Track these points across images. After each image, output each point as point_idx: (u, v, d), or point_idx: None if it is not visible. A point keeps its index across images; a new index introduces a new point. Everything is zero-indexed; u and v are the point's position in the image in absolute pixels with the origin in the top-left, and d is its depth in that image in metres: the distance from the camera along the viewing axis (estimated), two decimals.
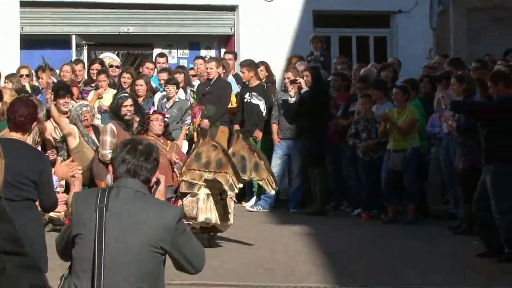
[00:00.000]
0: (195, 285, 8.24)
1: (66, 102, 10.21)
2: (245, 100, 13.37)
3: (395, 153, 11.85)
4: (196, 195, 8.90)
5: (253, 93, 13.28)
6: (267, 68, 14.18)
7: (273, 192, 9.31)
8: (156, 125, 9.36)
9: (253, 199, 12.99)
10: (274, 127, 13.09)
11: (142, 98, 12.77)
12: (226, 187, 8.82)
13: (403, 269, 9.14)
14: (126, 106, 9.30)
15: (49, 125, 9.60)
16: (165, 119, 9.51)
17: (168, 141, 9.63)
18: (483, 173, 9.40)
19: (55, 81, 11.36)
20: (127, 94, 9.67)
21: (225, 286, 8.21)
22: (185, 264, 3.61)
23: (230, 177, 8.69)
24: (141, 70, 14.84)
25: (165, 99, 12.99)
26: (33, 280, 2.81)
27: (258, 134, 12.98)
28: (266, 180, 9.14)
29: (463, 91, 10.64)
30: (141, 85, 12.92)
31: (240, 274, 8.56)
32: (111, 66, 14.61)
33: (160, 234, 3.53)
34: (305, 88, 12.61)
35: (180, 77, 13.65)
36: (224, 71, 13.60)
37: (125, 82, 13.28)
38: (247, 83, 13.62)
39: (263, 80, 13.81)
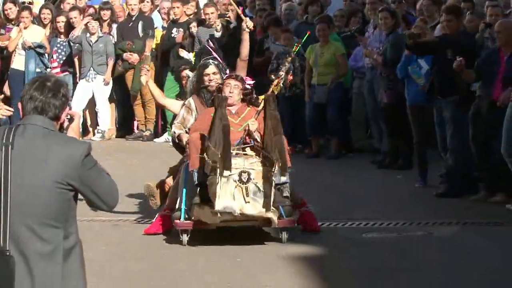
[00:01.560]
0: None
1: None
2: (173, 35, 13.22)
3: (319, 87, 11.90)
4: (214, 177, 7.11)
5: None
6: (198, 5, 13.96)
7: (283, 179, 7.15)
8: (227, 93, 7.41)
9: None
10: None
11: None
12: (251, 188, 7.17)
13: (330, 202, 9.27)
14: (207, 74, 7.63)
15: None
16: (247, 85, 7.58)
17: (247, 108, 7.56)
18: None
19: None
20: (209, 60, 7.78)
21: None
22: (96, 200, 3.49)
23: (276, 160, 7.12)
24: (62, 7, 14.62)
25: (89, 34, 12.99)
26: None
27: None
28: (278, 161, 7.11)
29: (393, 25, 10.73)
30: (62, 21, 12.79)
31: None
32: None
33: (67, 170, 3.40)
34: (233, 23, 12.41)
35: (106, 14, 13.59)
36: None
37: (45, 18, 13.18)
38: (175, 18, 13.40)
39: (191, 17, 13.56)
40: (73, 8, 14.00)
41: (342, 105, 12.19)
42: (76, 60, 13.88)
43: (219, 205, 6.98)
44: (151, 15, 13.89)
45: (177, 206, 7.39)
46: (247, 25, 8.06)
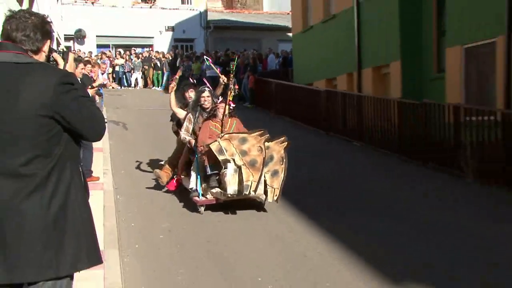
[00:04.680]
0: None
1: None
2: None
3: None
4: (225, 168, 9.48)
5: None
6: None
7: (269, 200, 9.73)
8: (221, 112, 10.45)
9: None
10: None
11: None
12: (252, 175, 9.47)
13: None
14: (203, 97, 10.80)
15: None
16: (231, 107, 10.65)
17: (230, 119, 10.56)
18: None
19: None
20: (205, 87, 11.06)
21: None
22: (78, 129, 3.43)
23: (252, 180, 9.38)
24: None
25: None
26: None
27: None
28: (274, 190, 9.63)
29: None
30: None
31: None
32: None
33: (44, 98, 3.31)
34: None
35: None
36: None
37: None
38: None
39: None
40: None
41: None
42: None
43: (230, 190, 9.40)
44: None
45: (191, 187, 10.15)
46: (223, 80, 11.74)
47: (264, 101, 25.46)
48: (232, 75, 10.81)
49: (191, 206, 10.11)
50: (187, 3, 42.92)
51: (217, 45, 39.78)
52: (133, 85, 35.43)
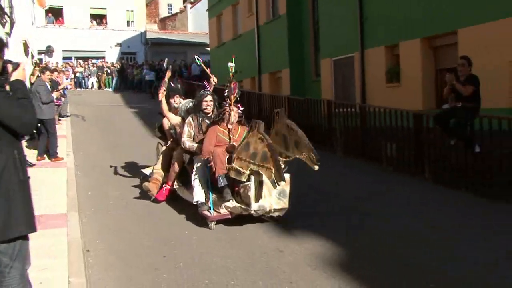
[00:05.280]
0: None
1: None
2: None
3: None
4: (247, 184, 6.74)
5: None
6: None
7: (316, 168, 6.41)
8: (232, 117, 7.39)
9: None
10: None
11: None
12: (269, 182, 6.58)
13: None
14: (206, 101, 7.77)
15: (165, 120, 8.89)
16: (239, 111, 7.49)
17: (239, 127, 7.47)
18: None
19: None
20: (207, 91, 7.91)
21: None
22: (6, 122, 3.12)
23: (273, 173, 6.41)
24: None
25: None
26: None
27: None
28: (308, 156, 6.51)
29: None
30: None
31: None
32: None
33: None
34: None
35: None
36: None
37: None
38: None
39: None
40: None
41: None
42: None
43: (255, 206, 6.61)
44: None
45: (197, 199, 7.09)
46: (213, 80, 8.38)
47: (190, 97, 25.21)
48: (232, 76, 7.53)
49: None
50: (131, 26, 42.51)
51: (153, 56, 39.34)
52: (90, 87, 34.64)
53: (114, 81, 34.10)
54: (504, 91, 10.67)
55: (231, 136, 7.32)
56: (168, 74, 9.00)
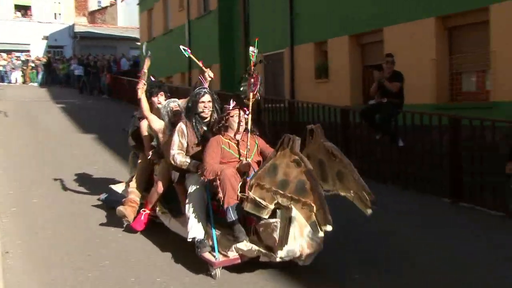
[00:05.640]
0: None
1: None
2: None
3: None
4: (273, 221, 4.68)
5: None
6: None
7: (369, 212, 4.61)
8: (237, 124, 5.43)
9: None
10: None
11: None
12: (307, 225, 4.51)
13: None
14: (203, 102, 5.66)
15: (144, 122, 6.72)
16: (245, 115, 5.45)
17: (248, 137, 5.40)
18: None
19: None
20: (205, 89, 5.81)
21: None
22: None
23: (315, 212, 4.35)
24: None
25: None
26: None
27: None
28: (358, 195, 4.66)
29: None
30: None
31: None
32: None
33: None
34: None
35: None
36: None
37: None
38: None
39: None
40: None
41: None
42: None
43: (282, 252, 4.57)
44: None
45: (194, 236, 5.14)
46: (208, 75, 6.24)
47: (119, 94, 24.72)
48: (253, 66, 5.51)
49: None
50: (59, 18, 41.15)
51: (82, 50, 38.21)
52: (13, 81, 33.21)
53: (40, 76, 32.92)
54: (427, 88, 11.04)
55: (240, 150, 5.36)
56: (147, 63, 6.93)
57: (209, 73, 6.26)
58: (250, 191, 4.58)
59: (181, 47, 6.45)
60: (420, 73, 11.07)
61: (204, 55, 21.27)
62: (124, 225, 6.52)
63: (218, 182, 4.97)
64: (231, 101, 5.50)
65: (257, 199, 4.56)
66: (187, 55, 6.40)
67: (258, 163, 5.26)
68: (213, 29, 20.36)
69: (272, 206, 4.56)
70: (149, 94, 6.69)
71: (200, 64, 6.37)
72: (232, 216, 4.87)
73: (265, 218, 4.67)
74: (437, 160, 8.51)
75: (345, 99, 13.26)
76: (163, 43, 24.77)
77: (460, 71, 10.90)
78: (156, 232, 6.30)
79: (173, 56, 24.18)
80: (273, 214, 4.69)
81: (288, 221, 4.53)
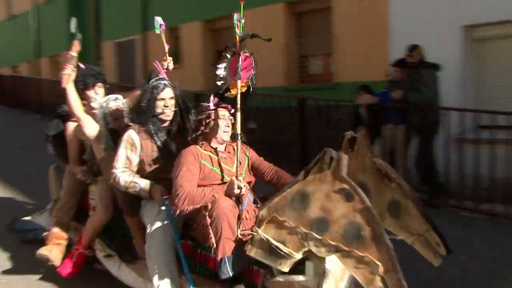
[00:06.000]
0: None
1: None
2: None
3: None
4: (301, 280, 2.93)
5: None
6: None
7: (438, 262, 2.98)
8: (223, 128, 3.73)
9: None
10: None
11: None
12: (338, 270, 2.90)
13: None
14: (163, 99, 3.96)
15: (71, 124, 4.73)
16: (231, 117, 3.76)
17: (234, 147, 3.72)
18: None
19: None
20: (164, 81, 4.06)
21: None
22: None
23: (381, 274, 2.61)
24: None
25: None
26: None
27: None
28: (423, 238, 3.05)
29: None
30: None
31: None
32: None
33: None
34: None
35: None
36: None
37: None
38: None
39: None
40: None
41: None
42: None
43: None
44: None
45: None
46: (168, 63, 4.51)
47: None
48: (239, 41, 3.93)
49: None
50: None
51: None
52: None
53: None
54: (279, 71, 11.31)
55: (225, 167, 3.66)
56: (76, 45, 4.78)
57: (169, 62, 4.55)
58: (259, 228, 2.95)
59: (156, 18, 4.81)
60: (271, 57, 11.31)
61: (53, 43, 20.17)
62: (45, 266, 4.65)
63: (208, 220, 3.24)
64: (211, 97, 3.81)
65: (273, 241, 2.90)
66: (158, 31, 4.73)
67: (249, 184, 3.74)
68: (62, 15, 19.43)
69: (298, 255, 2.88)
70: (82, 87, 4.73)
71: (167, 47, 4.61)
72: (228, 271, 3.15)
73: (284, 272, 2.95)
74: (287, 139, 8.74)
75: (198, 84, 13.23)
76: (6, 29, 23.19)
77: (308, 54, 11.30)
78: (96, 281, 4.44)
79: (19, 43, 22.71)
80: (297, 269, 2.95)
81: (322, 277, 2.87)
